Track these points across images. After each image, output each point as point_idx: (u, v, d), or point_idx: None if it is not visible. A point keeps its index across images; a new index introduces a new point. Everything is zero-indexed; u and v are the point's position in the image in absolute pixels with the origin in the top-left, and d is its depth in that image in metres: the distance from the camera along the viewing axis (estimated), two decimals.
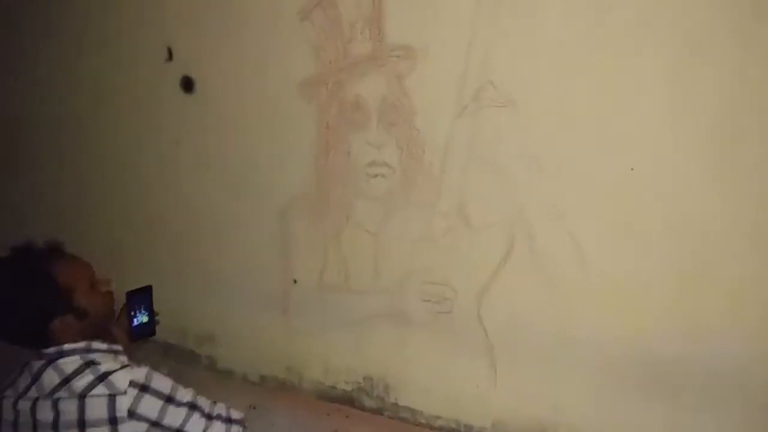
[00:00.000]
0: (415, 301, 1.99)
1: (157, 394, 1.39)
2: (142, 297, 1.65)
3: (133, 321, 1.63)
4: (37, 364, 1.41)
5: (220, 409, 1.52)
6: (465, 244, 1.88)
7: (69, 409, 1.34)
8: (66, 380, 1.37)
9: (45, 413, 1.35)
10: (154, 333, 1.67)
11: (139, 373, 1.39)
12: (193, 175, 2.32)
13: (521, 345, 1.87)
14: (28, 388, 1.39)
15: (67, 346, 1.41)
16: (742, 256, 1.57)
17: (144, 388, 1.38)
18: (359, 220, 2.03)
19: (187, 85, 2.25)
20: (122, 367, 1.40)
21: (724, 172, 1.55)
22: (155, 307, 1.67)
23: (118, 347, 1.49)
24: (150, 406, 1.37)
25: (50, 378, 1.38)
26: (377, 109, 1.91)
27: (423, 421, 2.06)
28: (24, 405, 1.37)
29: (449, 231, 1.90)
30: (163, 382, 1.42)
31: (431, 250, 1.93)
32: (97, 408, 1.34)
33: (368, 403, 2.15)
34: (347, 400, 2.17)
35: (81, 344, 1.42)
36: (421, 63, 1.83)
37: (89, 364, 1.40)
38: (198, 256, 2.36)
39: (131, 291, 1.64)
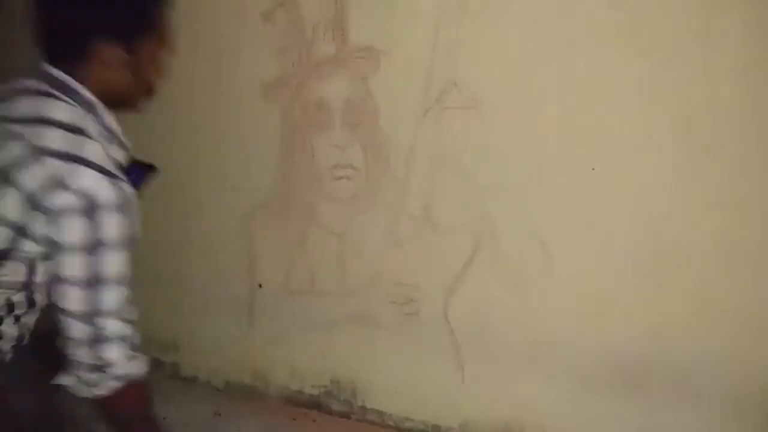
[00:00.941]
0: (381, 303, 1.99)
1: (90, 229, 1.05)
2: (142, 173, 1.32)
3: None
4: (27, 84, 1.11)
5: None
6: (431, 246, 1.88)
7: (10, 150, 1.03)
8: (40, 119, 1.06)
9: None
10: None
11: (115, 191, 1.06)
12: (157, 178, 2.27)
13: (488, 345, 1.88)
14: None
15: (75, 85, 1.10)
16: (705, 257, 1.60)
17: (91, 210, 1.03)
18: (324, 223, 2.02)
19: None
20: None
21: (688, 173, 1.59)
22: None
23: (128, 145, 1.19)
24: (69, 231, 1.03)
25: (23, 107, 1.08)
26: (341, 111, 1.90)
27: (391, 423, 2.06)
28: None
29: (415, 233, 1.89)
30: (115, 228, 1.07)
31: (398, 252, 1.93)
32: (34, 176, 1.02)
33: (336, 406, 2.13)
34: (314, 404, 2.15)
35: (93, 99, 1.12)
36: (385, 64, 1.82)
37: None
38: (159, 261, 2.30)
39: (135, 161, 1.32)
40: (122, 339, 1.12)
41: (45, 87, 1.11)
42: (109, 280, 1.11)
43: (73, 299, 1.08)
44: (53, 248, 1.06)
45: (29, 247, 1.06)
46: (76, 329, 1.09)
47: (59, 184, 1.03)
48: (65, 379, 1.13)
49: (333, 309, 2.05)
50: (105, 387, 1.12)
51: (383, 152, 1.88)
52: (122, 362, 1.11)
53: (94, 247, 1.07)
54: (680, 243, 1.61)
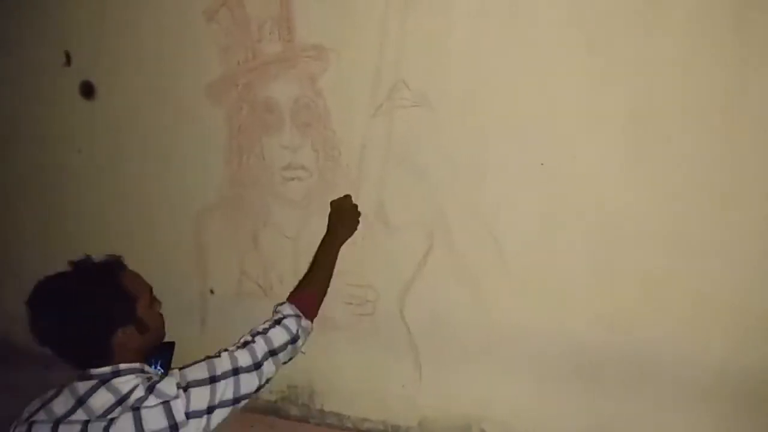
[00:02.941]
0: (337, 304, 1.96)
1: (200, 383, 1.34)
2: (164, 351, 1.56)
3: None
4: (84, 386, 1.30)
5: (263, 339, 1.48)
6: (385, 245, 1.87)
7: (123, 425, 1.25)
8: (121, 400, 1.28)
9: None
10: None
11: (176, 377, 1.34)
12: (98, 183, 2.20)
13: (445, 343, 1.88)
14: (72, 410, 1.27)
15: (123, 366, 1.33)
16: (656, 248, 1.63)
17: (187, 386, 1.32)
18: (277, 225, 1.99)
19: (87, 90, 2.13)
20: (162, 377, 1.34)
21: (637, 165, 1.61)
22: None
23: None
24: (200, 398, 1.32)
25: (103, 398, 1.28)
26: (290, 111, 1.87)
27: (350, 425, 2.04)
28: (68, 429, 1.25)
29: (369, 232, 1.88)
30: (198, 370, 1.37)
31: (351, 253, 1.91)
32: (154, 419, 1.27)
33: (293, 411, 2.10)
34: (272, 410, 2.12)
35: (137, 364, 1.35)
36: (334, 63, 1.80)
37: (142, 382, 1.32)
38: None
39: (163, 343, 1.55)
40: None
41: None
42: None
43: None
44: None
45: None
46: None
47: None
48: None
49: None
50: None
51: (334, 152, 1.86)
52: None
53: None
54: (632, 234, 1.64)
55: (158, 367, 1.52)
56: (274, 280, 2.03)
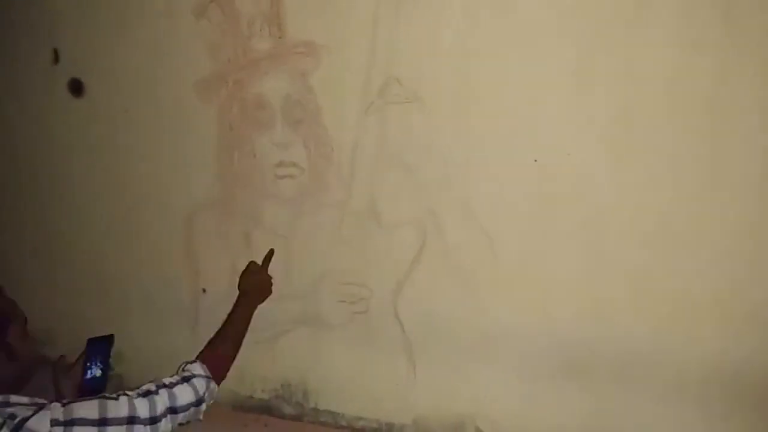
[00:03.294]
0: (330, 303, 1.96)
1: (87, 422, 1.20)
2: (101, 347, 1.48)
3: (86, 373, 1.45)
4: None
5: (167, 394, 1.34)
6: (378, 243, 1.86)
7: None
8: None
9: None
10: (104, 389, 1.45)
11: (58, 411, 1.19)
12: (89, 182, 2.18)
13: (439, 340, 1.87)
14: None
15: None
16: (644, 244, 1.63)
17: (71, 422, 1.19)
18: (269, 224, 1.97)
19: (76, 88, 2.11)
20: (38, 410, 1.20)
21: (627, 163, 1.61)
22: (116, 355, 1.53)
23: (43, 401, 1.26)
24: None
25: None
26: (281, 108, 1.86)
27: (344, 423, 2.03)
28: None
29: (362, 230, 1.87)
30: (88, 408, 1.22)
31: (344, 251, 1.90)
32: None
33: (287, 410, 2.09)
34: (265, 409, 2.11)
35: None
36: (325, 59, 1.79)
37: (6, 420, 1.19)
38: (96, 267, 2.22)
39: (92, 339, 1.48)
40: None
41: None
42: None
43: None
44: None
45: None
46: None
47: None
48: None
49: (281, 312, 2.00)
50: None
51: (326, 149, 1.85)
52: None
53: None
54: (621, 231, 1.63)
55: (97, 364, 1.46)
56: None
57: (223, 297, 2.04)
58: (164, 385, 1.34)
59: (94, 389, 1.42)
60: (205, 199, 2.01)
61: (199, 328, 2.12)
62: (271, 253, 1.80)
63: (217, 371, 1.46)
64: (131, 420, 1.25)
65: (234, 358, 1.54)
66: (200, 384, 1.39)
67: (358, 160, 1.82)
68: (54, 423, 1.17)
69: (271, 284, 1.76)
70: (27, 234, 2.33)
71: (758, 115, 1.50)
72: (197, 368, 1.42)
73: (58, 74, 2.12)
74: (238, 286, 1.70)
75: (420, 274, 1.84)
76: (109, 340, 1.50)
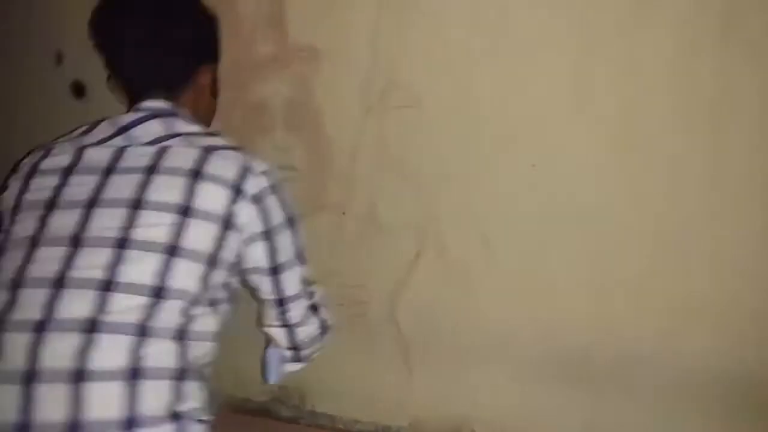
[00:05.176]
0: (329, 306, 1.96)
1: (284, 206, 1.21)
2: None
3: None
4: (131, 117, 1.15)
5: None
6: (377, 246, 1.88)
7: (183, 155, 1.09)
8: (179, 133, 1.13)
9: (136, 159, 1.09)
10: None
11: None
12: None
13: (437, 344, 1.88)
14: (110, 137, 1.14)
15: (184, 111, 1.20)
16: (645, 249, 1.64)
17: (274, 189, 1.18)
18: None
19: (78, 90, 2.12)
20: None
21: (628, 167, 1.62)
22: None
23: None
24: (276, 209, 1.19)
25: (153, 128, 1.13)
26: (283, 112, 1.87)
27: (341, 426, 2.03)
28: (97, 153, 1.11)
29: (361, 234, 1.88)
30: (292, 206, 1.25)
31: (343, 254, 1.91)
32: (226, 167, 1.10)
33: (284, 412, 2.10)
34: (263, 412, 2.11)
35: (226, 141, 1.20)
36: (327, 63, 1.80)
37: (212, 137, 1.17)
38: None
39: None
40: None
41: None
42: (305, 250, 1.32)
43: (294, 281, 1.28)
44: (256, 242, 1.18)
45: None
46: (299, 308, 1.31)
47: (250, 170, 1.15)
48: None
49: None
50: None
51: (327, 153, 1.86)
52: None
53: (294, 222, 1.26)
54: (620, 235, 1.65)
55: None
56: None
57: None
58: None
59: None
60: None
61: None
62: None
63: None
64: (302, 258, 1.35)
65: None
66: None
67: (357, 164, 1.84)
68: (266, 174, 1.22)
69: None
70: None
71: (759, 114, 1.51)
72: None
73: (61, 76, 2.14)
74: None
75: (419, 277, 1.85)
76: None
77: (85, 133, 1.19)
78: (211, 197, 1.08)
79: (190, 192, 1.07)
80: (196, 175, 1.08)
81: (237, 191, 1.11)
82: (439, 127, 1.74)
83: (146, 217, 1.04)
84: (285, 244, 1.22)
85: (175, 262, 1.03)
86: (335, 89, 1.81)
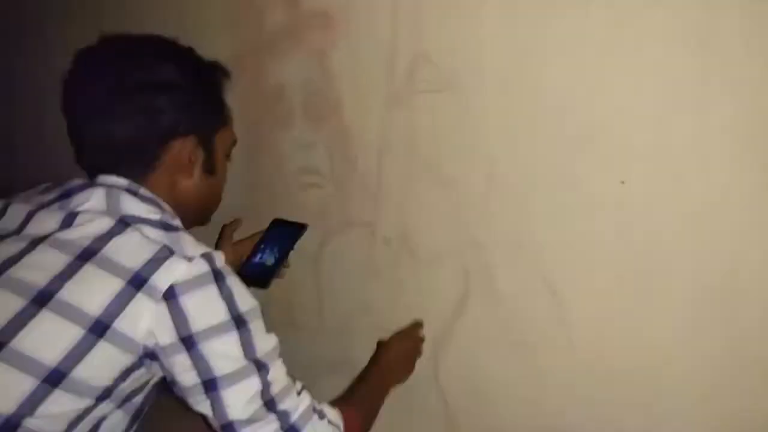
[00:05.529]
0: (363, 349, 1.51)
1: (228, 299, 0.87)
2: (286, 233, 1.22)
3: (255, 256, 1.20)
4: (80, 183, 0.95)
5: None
6: (413, 280, 1.39)
7: (86, 228, 0.86)
8: (113, 208, 0.90)
9: (42, 223, 0.89)
10: (267, 286, 1.18)
11: (221, 261, 0.90)
12: None
13: (489, 419, 1.35)
14: (50, 202, 0.94)
15: (145, 191, 0.95)
16: None
17: (218, 276, 0.87)
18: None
19: None
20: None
21: (750, 181, 0.96)
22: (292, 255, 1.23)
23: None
24: (205, 307, 0.85)
25: (93, 197, 0.91)
26: (301, 99, 1.45)
27: None
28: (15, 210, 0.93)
29: (393, 262, 1.40)
30: (247, 299, 0.91)
31: (377, 286, 1.46)
32: (133, 247, 0.85)
33: None
34: None
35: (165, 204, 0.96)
36: (344, 35, 1.34)
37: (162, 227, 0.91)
38: None
39: (279, 220, 1.26)
40: None
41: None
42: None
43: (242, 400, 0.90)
44: None
45: None
46: None
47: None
48: None
49: (312, 354, 1.60)
50: None
51: (350, 153, 1.41)
52: None
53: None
54: (755, 294, 0.98)
55: (274, 251, 1.20)
56: (297, 308, 1.63)
57: None
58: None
59: (256, 278, 1.17)
60: (228, 209, 1.67)
61: None
62: None
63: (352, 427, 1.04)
64: (262, 366, 0.90)
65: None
66: None
67: (385, 169, 1.36)
68: (204, 256, 0.89)
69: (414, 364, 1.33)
70: None
71: None
72: (337, 418, 1.01)
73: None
74: (379, 355, 1.29)
75: (466, 330, 1.33)
76: (300, 230, 1.23)
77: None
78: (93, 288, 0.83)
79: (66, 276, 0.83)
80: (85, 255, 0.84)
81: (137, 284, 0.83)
82: (485, 120, 1.20)
83: None
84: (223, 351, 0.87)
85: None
86: (355, 68, 1.35)
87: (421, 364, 1.38)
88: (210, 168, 1.05)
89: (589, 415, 1.19)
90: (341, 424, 1.00)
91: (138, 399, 0.93)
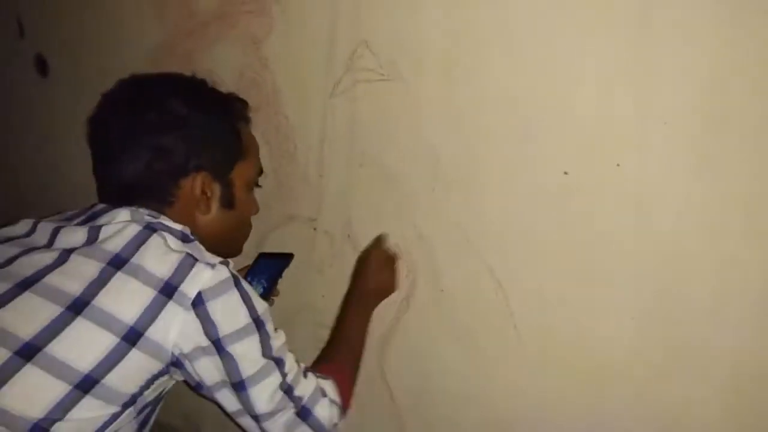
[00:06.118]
0: (304, 345, 1.46)
1: (248, 303, 0.92)
2: (273, 265, 1.25)
3: None
4: (105, 206, 0.98)
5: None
6: None
7: (114, 238, 0.89)
8: (139, 219, 0.93)
9: (70, 237, 0.92)
10: None
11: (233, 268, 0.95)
12: (64, 175, 1.86)
13: (436, 412, 1.32)
14: (68, 219, 0.99)
15: (165, 219, 0.95)
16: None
17: (237, 281, 0.91)
18: None
19: (42, 66, 1.78)
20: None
21: (706, 180, 0.95)
22: (280, 284, 1.26)
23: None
24: (229, 312, 0.90)
25: (119, 216, 0.94)
26: (234, 89, 1.37)
27: None
28: (43, 228, 0.96)
29: (336, 257, 1.36)
30: (260, 302, 0.96)
31: (319, 282, 1.41)
32: (161, 256, 0.88)
33: None
34: None
35: (181, 226, 0.96)
36: (279, 21, 1.28)
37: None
38: None
39: (265, 253, 1.28)
40: None
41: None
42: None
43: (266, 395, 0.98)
44: None
45: None
46: (278, 425, 1.00)
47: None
48: None
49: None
50: None
51: (289, 145, 1.35)
52: None
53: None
54: (702, 278, 0.98)
55: (262, 281, 1.22)
56: None
57: None
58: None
59: None
60: None
61: None
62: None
63: (345, 395, 1.10)
64: (280, 362, 0.99)
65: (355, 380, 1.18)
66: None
67: (327, 161, 1.31)
68: (225, 264, 0.93)
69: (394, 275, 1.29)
70: None
71: None
72: (331, 388, 1.07)
73: (23, 49, 1.80)
74: (360, 276, 1.27)
75: (411, 324, 1.30)
76: (285, 260, 1.26)
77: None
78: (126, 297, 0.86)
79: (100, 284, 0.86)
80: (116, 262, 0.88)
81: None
82: (429, 110, 1.16)
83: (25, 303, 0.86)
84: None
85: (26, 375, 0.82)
86: (292, 57, 1.29)
87: (366, 362, 1.35)
88: (228, 202, 1.05)
89: (536, 408, 1.18)
90: (338, 399, 1.07)
91: (148, 410, 0.96)
